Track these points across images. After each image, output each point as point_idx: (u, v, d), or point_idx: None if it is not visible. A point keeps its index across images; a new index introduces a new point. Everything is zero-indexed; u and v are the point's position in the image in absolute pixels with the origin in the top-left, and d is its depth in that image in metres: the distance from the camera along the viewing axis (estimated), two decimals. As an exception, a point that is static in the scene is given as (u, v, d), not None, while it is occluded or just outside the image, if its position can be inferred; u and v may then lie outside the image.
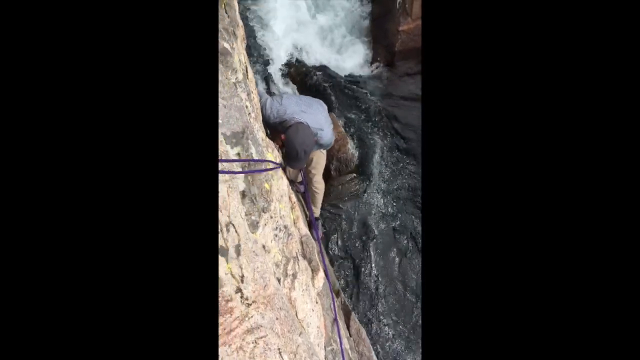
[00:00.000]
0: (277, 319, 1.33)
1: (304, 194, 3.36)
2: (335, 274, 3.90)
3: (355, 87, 5.35)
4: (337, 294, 3.66)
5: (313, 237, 3.40)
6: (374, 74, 5.62)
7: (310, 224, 3.36)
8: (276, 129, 2.49)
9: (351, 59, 5.77)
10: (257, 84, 4.70)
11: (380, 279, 3.93)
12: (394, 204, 4.33)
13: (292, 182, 3.22)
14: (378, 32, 5.80)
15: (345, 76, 5.55)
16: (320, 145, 2.76)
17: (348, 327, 3.30)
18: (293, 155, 2.30)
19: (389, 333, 3.69)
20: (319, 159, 3.02)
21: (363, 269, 4.00)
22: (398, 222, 4.22)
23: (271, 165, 1.73)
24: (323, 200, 3.34)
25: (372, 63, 5.77)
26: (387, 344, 3.62)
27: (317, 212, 3.33)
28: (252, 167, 1.66)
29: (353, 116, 5.05)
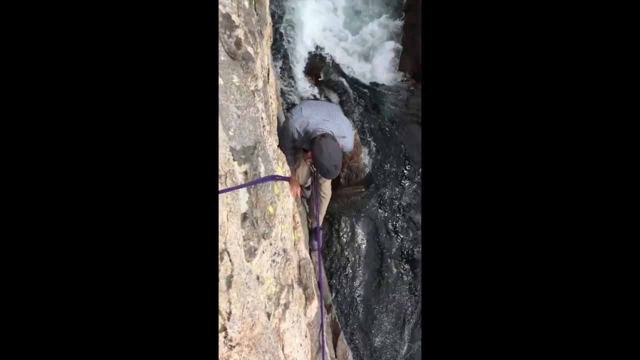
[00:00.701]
0: (260, 364, 1.23)
1: (308, 200, 3.25)
2: (329, 286, 3.81)
3: (377, 95, 5.21)
4: (329, 309, 3.57)
5: (313, 248, 3.33)
6: (398, 84, 5.46)
7: (312, 232, 3.29)
8: (301, 145, 2.41)
9: (378, 64, 5.61)
10: (280, 91, 4.60)
11: (372, 297, 3.83)
12: (397, 222, 4.21)
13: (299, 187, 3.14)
14: (409, 41, 5.63)
15: (369, 83, 5.40)
16: (343, 154, 2.67)
17: (335, 346, 3.21)
18: (324, 172, 2.23)
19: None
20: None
21: (356, 284, 3.90)
22: (399, 241, 4.10)
23: (278, 178, 1.61)
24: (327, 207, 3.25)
25: (398, 71, 5.61)
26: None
27: (320, 220, 3.23)
28: (257, 186, 1.55)
29: (371, 125, 4.91)
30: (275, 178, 1.96)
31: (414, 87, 5.32)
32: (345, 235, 4.11)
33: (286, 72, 5.17)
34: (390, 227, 4.21)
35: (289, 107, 4.80)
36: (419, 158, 4.65)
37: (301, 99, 5.04)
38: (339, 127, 2.39)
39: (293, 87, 5.15)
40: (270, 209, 1.55)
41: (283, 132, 2.38)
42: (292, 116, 2.35)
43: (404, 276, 3.96)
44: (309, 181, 3.08)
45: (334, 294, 3.82)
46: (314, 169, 2.60)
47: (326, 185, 2.98)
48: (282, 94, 4.93)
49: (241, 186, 1.48)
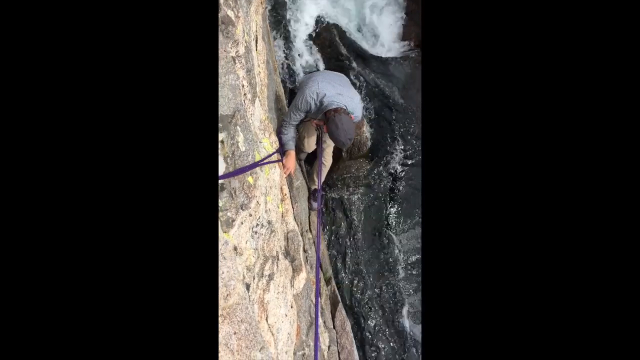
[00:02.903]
0: (234, 333, 1.22)
1: (310, 164, 3.40)
2: (330, 258, 3.82)
3: (380, 67, 5.04)
4: (328, 282, 3.59)
5: (312, 209, 3.37)
6: (403, 54, 5.27)
7: (312, 194, 3.41)
8: (314, 117, 2.53)
9: (383, 31, 5.41)
10: (279, 54, 4.47)
11: (371, 272, 3.83)
12: (398, 196, 4.15)
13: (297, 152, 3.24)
14: (414, 8, 5.39)
15: (373, 55, 5.21)
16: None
17: (333, 317, 3.24)
18: (340, 145, 2.42)
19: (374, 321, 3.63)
20: None
21: (358, 257, 3.90)
22: (400, 219, 4.06)
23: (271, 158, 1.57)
24: (327, 178, 3.29)
25: (402, 40, 5.40)
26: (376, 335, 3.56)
27: (320, 182, 3.28)
28: (235, 156, 1.50)
29: (373, 98, 4.78)
30: (279, 160, 1.97)
31: (419, 57, 5.14)
32: (346, 209, 4.08)
33: (288, 41, 5.02)
34: (389, 198, 4.16)
35: (291, 76, 4.72)
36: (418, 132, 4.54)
37: (304, 69, 4.93)
38: (351, 100, 2.47)
39: (297, 55, 5.01)
40: (250, 179, 1.51)
41: (298, 102, 2.43)
42: (310, 88, 2.41)
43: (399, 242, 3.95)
44: (313, 147, 3.13)
45: (337, 263, 3.83)
46: (322, 134, 2.81)
47: (327, 152, 3.11)
48: (286, 65, 4.82)
49: (242, 170, 1.44)
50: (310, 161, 3.70)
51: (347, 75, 4.91)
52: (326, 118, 2.35)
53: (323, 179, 3.30)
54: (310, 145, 3.13)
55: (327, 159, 3.16)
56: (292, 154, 2.52)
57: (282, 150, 2.44)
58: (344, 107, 2.36)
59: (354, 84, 4.78)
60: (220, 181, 1.42)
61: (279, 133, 2.53)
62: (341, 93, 2.41)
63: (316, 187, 3.22)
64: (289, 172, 2.51)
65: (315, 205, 3.32)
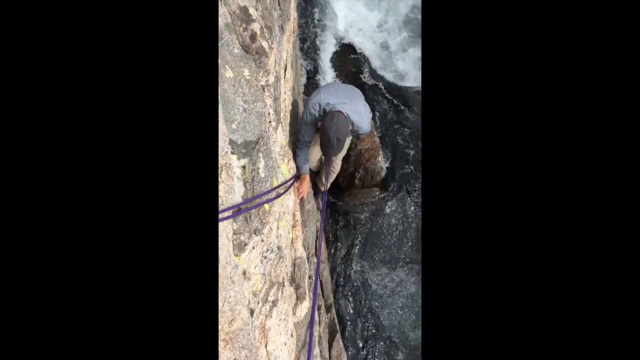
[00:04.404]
0: (234, 359, 1.23)
1: (317, 173, 3.38)
2: (331, 287, 3.79)
3: (399, 97, 5.12)
4: (328, 309, 3.56)
5: (318, 208, 3.39)
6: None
7: (318, 196, 3.45)
8: (316, 125, 2.48)
9: (403, 62, 5.51)
10: (306, 77, 4.58)
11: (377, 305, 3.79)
12: (406, 231, 4.14)
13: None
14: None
15: (393, 84, 5.31)
16: (359, 135, 2.83)
17: (330, 347, 3.20)
18: (326, 142, 2.32)
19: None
20: (345, 143, 2.97)
21: (362, 292, 3.86)
22: (405, 257, 4.04)
23: (282, 190, 1.61)
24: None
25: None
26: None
27: (327, 186, 3.30)
28: (254, 181, 1.55)
29: (391, 128, 4.84)
30: (292, 184, 2.00)
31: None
32: (354, 238, 4.08)
33: (313, 63, 5.16)
34: (401, 231, 4.15)
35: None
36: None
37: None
38: (355, 111, 2.45)
39: (320, 78, 5.13)
40: (266, 206, 1.54)
41: (304, 116, 2.45)
42: (312, 100, 2.42)
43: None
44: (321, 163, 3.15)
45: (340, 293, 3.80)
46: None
47: (337, 162, 3.12)
48: (308, 85, 4.93)
49: (258, 205, 1.48)
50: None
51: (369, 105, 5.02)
52: (325, 115, 2.34)
53: (330, 182, 3.31)
54: (314, 153, 3.06)
55: (336, 167, 3.16)
56: (306, 178, 2.55)
57: (296, 175, 2.48)
58: (345, 114, 2.35)
59: (375, 111, 4.85)
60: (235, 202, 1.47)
61: (294, 155, 2.58)
62: (345, 102, 2.39)
63: (323, 187, 3.25)
64: (302, 196, 2.55)
65: (321, 203, 3.32)
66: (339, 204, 4.28)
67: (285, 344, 1.68)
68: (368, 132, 2.82)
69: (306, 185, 2.57)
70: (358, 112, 2.45)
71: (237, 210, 1.42)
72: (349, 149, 4.04)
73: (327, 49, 5.41)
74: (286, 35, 2.48)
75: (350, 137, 3.09)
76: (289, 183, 2.04)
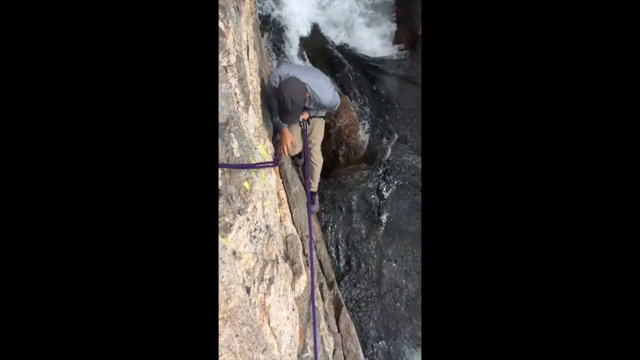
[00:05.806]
0: (236, 335, 1.24)
1: (303, 167, 3.31)
2: (333, 262, 3.83)
3: (374, 70, 5.10)
4: (331, 286, 3.59)
5: (310, 212, 3.37)
6: (395, 57, 5.33)
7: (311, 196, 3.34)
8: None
9: (373, 38, 5.48)
10: (272, 62, 4.52)
11: (377, 274, 3.84)
12: (397, 197, 4.18)
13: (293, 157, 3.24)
14: (403, 12, 5.46)
15: (365, 57, 5.28)
16: (323, 107, 2.76)
17: (338, 321, 3.24)
18: (281, 105, 2.31)
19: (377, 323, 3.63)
20: (319, 128, 3.03)
21: (362, 262, 3.91)
22: (398, 218, 4.08)
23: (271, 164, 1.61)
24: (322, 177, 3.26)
25: (394, 44, 5.47)
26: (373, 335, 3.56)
27: (314, 186, 3.24)
28: (229, 162, 1.53)
29: (368, 101, 4.83)
30: (276, 162, 2.00)
31: (412, 58, 5.20)
32: (346, 212, 4.10)
33: (278, 48, 5.08)
34: (393, 200, 4.18)
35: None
36: (417, 135, 4.57)
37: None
38: (316, 82, 2.49)
39: (289, 60, 5.06)
40: (246, 184, 1.53)
41: (269, 93, 2.47)
42: (272, 72, 2.48)
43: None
44: (300, 147, 3.12)
45: (342, 262, 3.84)
46: (306, 130, 2.81)
47: (315, 150, 3.07)
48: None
49: (244, 166, 1.48)
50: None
51: (343, 81, 4.97)
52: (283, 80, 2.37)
53: (317, 179, 3.23)
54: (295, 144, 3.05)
55: (317, 158, 3.08)
56: (286, 130, 2.53)
57: (276, 158, 2.46)
58: (304, 82, 2.38)
59: (348, 89, 4.83)
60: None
61: (274, 126, 2.57)
62: (304, 74, 2.43)
63: (312, 190, 3.16)
64: (286, 146, 2.50)
65: (313, 208, 3.26)
66: (327, 190, 4.27)
67: (288, 318, 1.69)
68: (332, 105, 2.82)
69: (288, 136, 2.54)
70: (318, 84, 2.48)
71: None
72: (326, 129, 4.02)
73: (292, 29, 5.33)
74: (244, 16, 2.43)
75: (324, 121, 3.08)
76: (271, 160, 2.03)
